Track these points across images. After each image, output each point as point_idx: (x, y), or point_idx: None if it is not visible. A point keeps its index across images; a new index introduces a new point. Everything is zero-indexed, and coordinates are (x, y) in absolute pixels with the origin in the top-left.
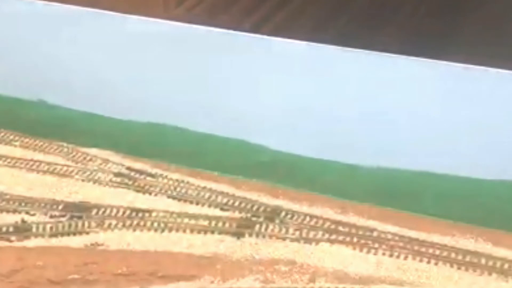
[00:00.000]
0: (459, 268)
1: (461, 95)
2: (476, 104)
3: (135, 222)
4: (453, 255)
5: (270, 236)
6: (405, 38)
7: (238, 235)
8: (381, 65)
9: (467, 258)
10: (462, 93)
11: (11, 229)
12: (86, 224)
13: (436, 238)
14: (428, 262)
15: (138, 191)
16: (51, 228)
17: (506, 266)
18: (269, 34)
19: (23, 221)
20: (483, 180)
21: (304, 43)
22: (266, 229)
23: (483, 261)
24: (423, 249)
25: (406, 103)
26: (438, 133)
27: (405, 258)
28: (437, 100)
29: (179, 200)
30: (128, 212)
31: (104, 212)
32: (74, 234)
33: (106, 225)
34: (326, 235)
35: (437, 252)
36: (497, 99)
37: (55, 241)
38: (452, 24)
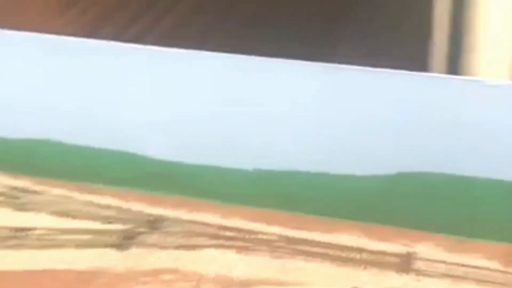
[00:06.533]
0: (340, 265)
1: (340, 96)
2: (358, 105)
3: (15, 242)
4: (334, 252)
5: (153, 246)
6: (292, 42)
7: (121, 247)
8: (267, 70)
9: (348, 254)
10: (342, 94)
11: None
12: None
13: (317, 236)
14: (310, 261)
15: (19, 209)
16: None
17: (383, 259)
18: (154, 43)
19: None
20: (363, 177)
21: (187, 51)
22: (149, 239)
23: (364, 256)
24: (305, 248)
25: (289, 106)
26: (318, 134)
27: (288, 258)
28: (322, 101)
29: (62, 215)
30: (8, 232)
31: None
32: None
33: None
34: (210, 241)
35: (319, 250)
36: (380, 100)
37: None
38: (340, 26)
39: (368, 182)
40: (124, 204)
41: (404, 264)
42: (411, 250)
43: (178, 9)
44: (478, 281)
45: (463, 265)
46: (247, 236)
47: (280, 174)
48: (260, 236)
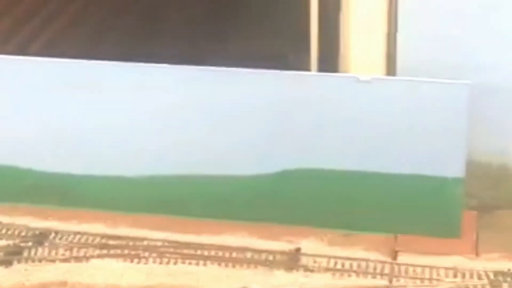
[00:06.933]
0: (226, 266)
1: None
2: (236, 106)
3: None
4: (220, 253)
5: (40, 260)
6: (169, 48)
7: (6, 263)
8: (145, 76)
9: (236, 255)
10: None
11: None
12: None
13: (204, 239)
14: (197, 264)
15: None
16: None
17: (270, 257)
18: (34, 54)
19: None
20: (247, 176)
21: (66, 60)
22: (35, 253)
23: (249, 255)
24: (192, 252)
25: (167, 111)
26: (199, 137)
27: (175, 263)
28: (200, 104)
29: None
30: None
31: None
32: None
33: None
34: (97, 251)
35: (205, 252)
36: (260, 100)
37: None
38: (220, 29)
39: (252, 182)
40: (8, 219)
41: (292, 261)
42: (297, 246)
43: (60, 19)
44: (360, 272)
45: (346, 258)
46: (133, 244)
47: (163, 179)
48: (146, 243)
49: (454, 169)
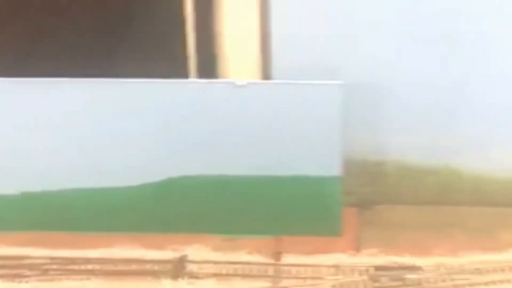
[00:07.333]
0: (113, 279)
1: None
2: (123, 116)
3: None
4: (106, 266)
5: None
6: (68, 61)
7: None
8: (33, 89)
9: (119, 267)
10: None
11: None
12: None
13: (89, 253)
14: (83, 279)
15: None
16: None
17: (156, 267)
18: None
19: None
20: (132, 187)
21: None
22: None
23: (134, 266)
24: (77, 267)
25: (53, 124)
26: (83, 149)
27: (60, 279)
28: (91, 115)
29: None
30: None
31: None
32: None
33: None
34: None
35: (91, 266)
36: (144, 108)
37: None
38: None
39: (136, 192)
40: None
41: (177, 269)
42: (183, 254)
43: None
44: (244, 276)
45: (230, 263)
46: (16, 263)
47: (45, 195)
48: (29, 261)
49: (331, 168)
